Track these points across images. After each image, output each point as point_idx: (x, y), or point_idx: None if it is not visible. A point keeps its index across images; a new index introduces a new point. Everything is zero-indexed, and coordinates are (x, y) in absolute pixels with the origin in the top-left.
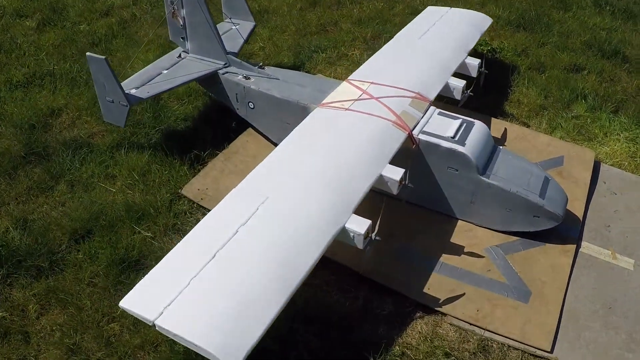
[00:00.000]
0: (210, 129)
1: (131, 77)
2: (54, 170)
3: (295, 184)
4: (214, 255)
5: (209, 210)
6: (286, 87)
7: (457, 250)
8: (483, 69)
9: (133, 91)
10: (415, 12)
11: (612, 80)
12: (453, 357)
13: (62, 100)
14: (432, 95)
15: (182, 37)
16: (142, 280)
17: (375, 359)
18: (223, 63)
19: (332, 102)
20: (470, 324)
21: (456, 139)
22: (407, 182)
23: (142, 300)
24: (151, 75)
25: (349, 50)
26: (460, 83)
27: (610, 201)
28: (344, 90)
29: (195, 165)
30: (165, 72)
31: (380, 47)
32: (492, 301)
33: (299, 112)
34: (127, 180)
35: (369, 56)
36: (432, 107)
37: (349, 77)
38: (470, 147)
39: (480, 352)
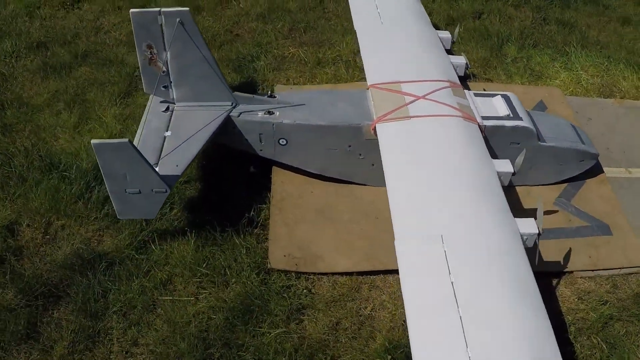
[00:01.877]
0: (226, 185)
1: None
2: (89, 309)
3: (449, 212)
4: (459, 312)
5: (312, 274)
6: (322, 111)
7: (534, 214)
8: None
9: (159, 171)
10: None
11: (510, 18)
12: (610, 304)
13: (8, 210)
14: (457, 79)
15: (163, 86)
16: None
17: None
18: (230, 103)
19: (387, 115)
20: (593, 270)
21: (512, 115)
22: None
23: None
24: (156, 143)
25: (284, 50)
26: (461, 60)
27: (592, 126)
28: (384, 98)
29: (251, 230)
30: (168, 134)
31: (303, 39)
32: (592, 244)
33: (351, 134)
34: (193, 279)
35: (312, 53)
36: (466, 91)
37: (370, 83)
38: (526, 119)
39: (612, 289)
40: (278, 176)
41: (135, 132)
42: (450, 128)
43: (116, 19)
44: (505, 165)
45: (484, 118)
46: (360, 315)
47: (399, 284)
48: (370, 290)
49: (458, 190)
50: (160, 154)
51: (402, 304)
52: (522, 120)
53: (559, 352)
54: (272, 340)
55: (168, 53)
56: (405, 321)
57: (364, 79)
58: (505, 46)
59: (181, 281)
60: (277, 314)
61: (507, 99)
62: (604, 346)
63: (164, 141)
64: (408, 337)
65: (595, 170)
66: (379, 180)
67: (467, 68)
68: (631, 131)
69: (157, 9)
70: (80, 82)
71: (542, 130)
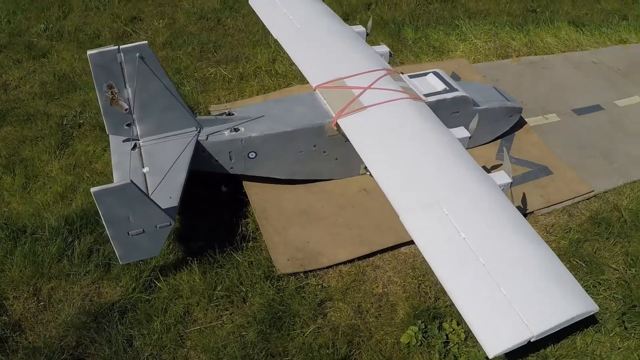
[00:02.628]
0: (204, 208)
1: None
2: None
3: (435, 180)
4: (480, 260)
5: (318, 270)
6: (283, 118)
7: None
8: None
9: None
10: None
11: (396, 4)
12: (573, 230)
13: None
14: (390, 67)
15: (127, 125)
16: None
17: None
18: (195, 128)
19: (344, 110)
20: (549, 207)
21: (449, 88)
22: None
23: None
24: (138, 181)
25: (204, 72)
26: (384, 48)
27: (501, 86)
28: (335, 96)
29: (246, 245)
30: (146, 170)
31: (217, 58)
32: (539, 185)
33: (315, 134)
34: (211, 304)
35: (231, 69)
36: (400, 75)
37: (315, 84)
38: (460, 89)
39: (570, 218)
40: (251, 189)
41: (88, 178)
42: (403, 109)
43: (20, 73)
44: (461, 132)
45: (426, 95)
46: (375, 295)
47: (397, 259)
48: (374, 271)
49: (434, 160)
50: (148, 191)
51: (408, 274)
52: (457, 90)
53: (569, 272)
54: (309, 338)
55: (129, 90)
56: (419, 287)
57: (290, 84)
58: (403, 30)
59: (200, 309)
60: (303, 313)
61: (438, 75)
62: (583, 264)
63: (145, 178)
64: (426, 301)
65: (520, 122)
66: (344, 172)
67: (390, 56)
68: (535, 83)
69: (115, 47)
70: (9, 143)
71: (473, 96)
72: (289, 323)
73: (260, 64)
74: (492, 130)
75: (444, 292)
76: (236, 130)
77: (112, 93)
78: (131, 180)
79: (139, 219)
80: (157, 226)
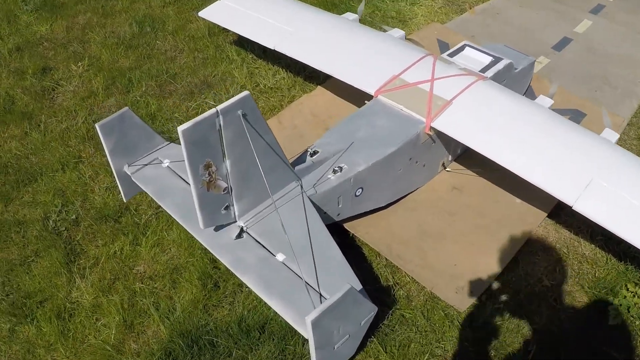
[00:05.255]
0: None
1: None
2: None
3: (577, 159)
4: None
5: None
6: (374, 139)
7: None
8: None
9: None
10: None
11: None
12: None
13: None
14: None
15: (224, 208)
16: None
17: None
18: (297, 184)
19: (431, 111)
20: None
21: (494, 58)
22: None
23: None
24: (288, 276)
25: (180, 110)
26: (399, 31)
27: (480, 40)
28: (405, 97)
29: (395, 293)
30: (280, 257)
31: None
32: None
33: (412, 146)
34: None
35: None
36: (443, 56)
37: (373, 90)
38: (500, 55)
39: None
40: (358, 231)
41: (153, 290)
42: (484, 92)
43: None
44: (545, 101)
45: (482, 71)
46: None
47: (535, 246)
48: (529, 267)
49: (556, 138)
50: (319, 288)
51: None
52: (502, 59)
53: None
54: None
55: (228, 162)
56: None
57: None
58: (351, 8)
59: None
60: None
61: (472, 47)
62: None
63: (290, 269)
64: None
65: None
66: (428, 176)
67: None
68: (503, 30)
69: (213, 110)
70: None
71: None
72: None
73: (241, 82)
74: (523, 89)
75: None
76: (340, 169)
77: (209, 174)
78: (351, 287)
79: (347, 325)
80: (362, 322)
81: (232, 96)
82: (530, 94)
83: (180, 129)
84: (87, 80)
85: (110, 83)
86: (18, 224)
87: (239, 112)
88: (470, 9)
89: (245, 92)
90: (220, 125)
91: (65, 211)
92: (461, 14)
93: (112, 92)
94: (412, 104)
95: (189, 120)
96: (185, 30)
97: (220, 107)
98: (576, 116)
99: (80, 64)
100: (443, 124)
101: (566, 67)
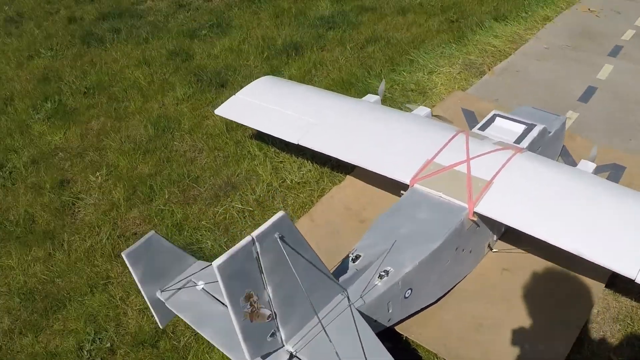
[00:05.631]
0: None
1: None
2: None
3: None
4: None
5: None
6: (418, 233)
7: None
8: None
9: None
10: None
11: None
12: None
13: None
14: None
15: (270, 335)
16: None
17: None
18: (344, 296)
19: (472, 195)
20: None
21: (526, 126)
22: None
23: None
24: None
25: (207, 217)
26: (425, 109)
27: (503, 102)
28: (443, 183)
29: None
30: None
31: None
32: (629, 183)
33: (457, 235)
34: None
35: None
36: (475, 130)
37: (408, 179)
38: (532, 121)
39: None
40: (412, 332)
41: None
42: (522, 167)
43: None
44: (588, 166)
45: (517, 142)
46: None
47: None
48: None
49: (606, 210)
50: None
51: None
52: (535, 125)
53: None
54: None
55: (269, 288)
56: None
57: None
58: (367, 86)
59: None
60: None
61: (502, 116)
62: None
63: None
64: None
65: None
66: (475, 261)
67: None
68: (527, 87)
69: (249, 238)
70: None
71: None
72: None
73: (266, 179)
74: (558, 150)
75: None
76: (386, 273)
77: (251, 304)
78: None
79: None
80: None
81: (259, 197)
82: (564, 153)
83: (215, 264)
84: (107, 191)
85: (131, 193)
86: (51, 356)
87: (276, 235)
88: (489, 70)
89: (280, 213)
90: (257, 252)
91: (99, 339)
92: (481, 77)
93: (135, 202)
94: (452, 190)
95: (218, 227)
96: (202, 128)
97: (255, 233)
98: (616, 171)
99: (98, 173)
100: (486, 207)
101: (596, 119)
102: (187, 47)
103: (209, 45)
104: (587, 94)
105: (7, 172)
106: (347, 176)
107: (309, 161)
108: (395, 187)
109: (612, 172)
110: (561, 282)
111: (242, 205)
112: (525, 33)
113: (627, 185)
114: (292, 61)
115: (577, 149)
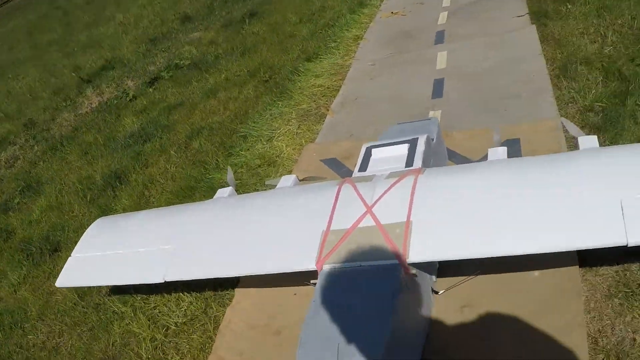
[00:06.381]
0: None
1: None
2: None
3: None
4: None
5: None
6: (361, 323)
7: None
8: None
9: None
10: None
11: None
12: None
13: None
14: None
15: None
16: None
17: None
18: None
19: (398, 248)
20: None
21: (408, 142)
22: None
23: None
24: None
25: None
26: (290, 177)
27: None
28: (359, 246)
29: None
30: None
31: None
32: None
33: (402, 302)
34: None
35: None
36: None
37: (317, 261)
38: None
39: None
40: None
41: None
42: (431, 188)
43: None
44: (497, 152)
45: (407, 165)
46: None
47: None
48: None
49: (538, 185)
50: None
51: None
52: (415, 137)
53: None
54: None
55: None
56: None
57: None
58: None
59: None
60: None
61: (376, 146)
62: None
63: None
64: None
65: None
66: (428, 315)
67: None
68: (371, 112)
69: None
70: None
71: None
72: None
73: (147, 335)
74: (445, 153)
75: None
76: None
77: None
78: None
79: None
80: None
81: None
82: (452, 155)
83: None
84: None
85: None
86: None
87: None
88: (328, 110)
89: None
90: None
91: None
92: (323, 121)
93: None
94: (369, 252)
95: None
96: (52, 307)
97: None
98: (513, 146)
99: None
100: (419, 253)
101: (459, 107)
102: (3, 224)
103: (26, 213)
104: (438, 88)
105: None
106: (236, 290)
107: (185, 292)
108: (296, 276)
109: (510, 149)
110: (532, 287)
111: None
112: (343, 61)
113: (532, 154)
114: (120, 192)
115: (461, 144)
